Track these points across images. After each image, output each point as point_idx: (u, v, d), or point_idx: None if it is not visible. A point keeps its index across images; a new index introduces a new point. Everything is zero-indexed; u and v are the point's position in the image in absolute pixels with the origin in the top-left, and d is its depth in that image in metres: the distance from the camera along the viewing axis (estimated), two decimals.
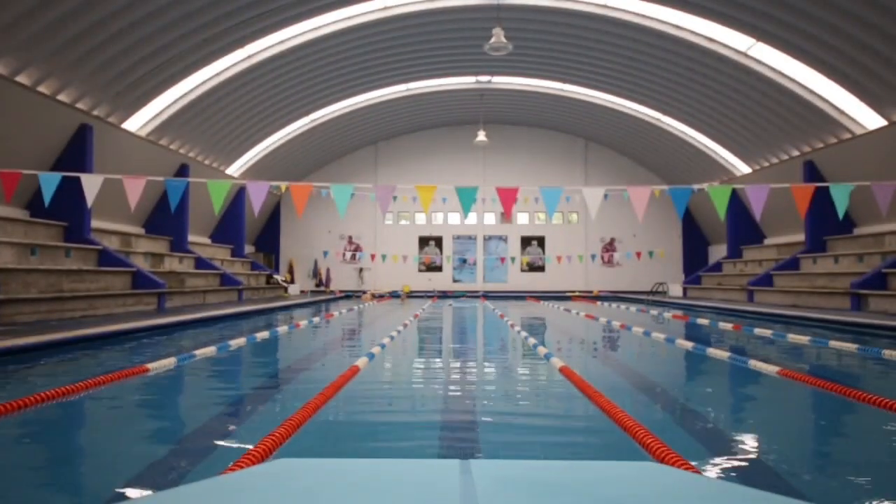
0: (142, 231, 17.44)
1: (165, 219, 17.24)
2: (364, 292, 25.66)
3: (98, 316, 11.49)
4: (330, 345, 9.69)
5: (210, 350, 7.32)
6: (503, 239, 27.95)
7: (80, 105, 13.14)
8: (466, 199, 8.89)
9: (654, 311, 15.97)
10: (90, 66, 12.39)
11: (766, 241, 21.48)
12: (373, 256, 24.50)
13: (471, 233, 27.91)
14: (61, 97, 12.55)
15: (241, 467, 2.86)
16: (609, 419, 4.01)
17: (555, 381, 5.80)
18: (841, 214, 9.31)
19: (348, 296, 25.12)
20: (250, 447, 3.21)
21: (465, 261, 27.67)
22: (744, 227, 21.78)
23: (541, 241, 27.90)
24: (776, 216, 19.44)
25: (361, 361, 6.34)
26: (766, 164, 19.75)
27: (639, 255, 22.10)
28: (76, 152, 13.27)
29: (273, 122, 20.42)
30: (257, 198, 8.68)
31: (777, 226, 20.57)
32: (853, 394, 4.79)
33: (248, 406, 4.94)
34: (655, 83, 18.83)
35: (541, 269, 27.58)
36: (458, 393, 5.41)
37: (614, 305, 19.46)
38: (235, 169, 21.86)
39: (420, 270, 27.57)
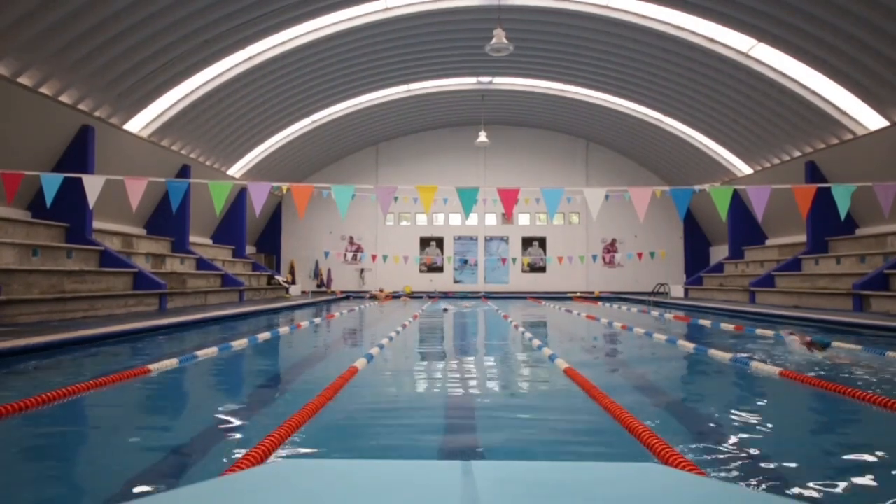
0: (143, 232, 17.45)
1: (167, 220, 17.24)
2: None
3: (99, 317, 11.50)
4: (331, 345, 9.68)
5: (212, 351, 7.32)
6: (504, 240, 27.93)
7: (81, 106, 13.15)
8: (467, 199, 8.89)
9: (655, 312, 15.94)
10: (92, 67, 12.40)
11: (768, 242, 21.44)
12: (374, 257, 24.47)
13: (472, 233, 27.90)
14: (63, 98, 12.57)
15: (242, 468, 2.86)
16: (613, 419, 4.00)
17: (559, 383, 5.79)
18: (843, 215, 9.28)
19: (348, 296, 25.10)
20: (251, 448, 3.21)
21: (466, 261, 27.65)
22: (745, 227, 21.74)
23: (542, 242, 27.89)
24: (778, 217, 19.41)
25: (360, 362, 6.34)
26: (768, 164, 19.73)
27: (640, 255, 22.06)
28: (78, 153, 13.29)
29: (274, 124, 20.43)
30: (258, 199, 8.68)
31: (779, 226, 20.54)
32: (855, 394, 4.78)
33: (250, 407, 4.93)
34: (656, 84, 18.82)
35: (542, 269, 27.57)
36: (461, 394, 5.40)
37: (616, 306, 19.44)
38: (237, 170, 21.88)
39: (421, 271, 27.56)
